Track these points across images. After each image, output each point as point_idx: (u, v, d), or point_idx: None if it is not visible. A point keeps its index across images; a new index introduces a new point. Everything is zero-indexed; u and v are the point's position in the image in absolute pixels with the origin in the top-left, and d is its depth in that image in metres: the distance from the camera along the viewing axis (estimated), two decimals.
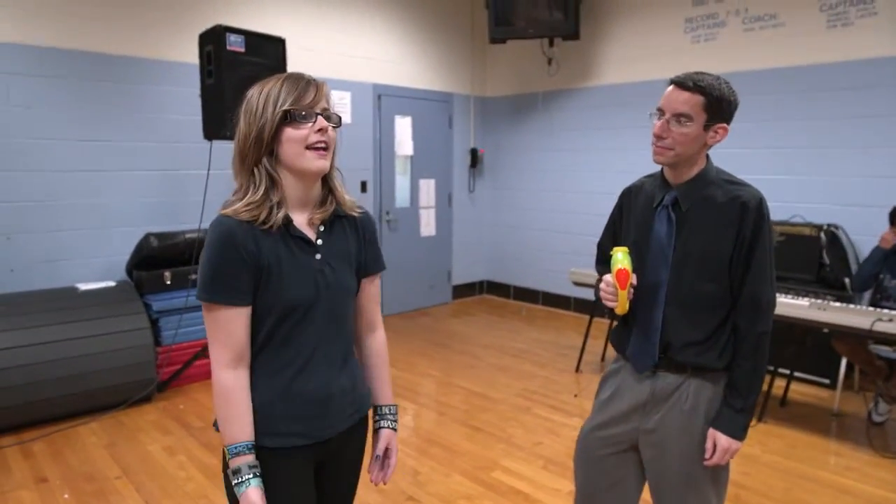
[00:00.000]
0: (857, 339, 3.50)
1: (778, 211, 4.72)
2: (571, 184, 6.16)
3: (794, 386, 4.06)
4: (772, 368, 3.84)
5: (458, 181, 6.83)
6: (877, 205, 4.23)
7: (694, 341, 1.60)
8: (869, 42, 4.28)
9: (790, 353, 3.99)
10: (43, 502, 2.75)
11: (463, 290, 7.01)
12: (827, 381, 4.15)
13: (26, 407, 3.39)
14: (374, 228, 1.50)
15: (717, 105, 1.54)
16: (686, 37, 5.19)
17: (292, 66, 4.07)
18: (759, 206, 1.56)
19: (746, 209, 1.56)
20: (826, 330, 3.40)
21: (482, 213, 7.07)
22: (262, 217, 1.27)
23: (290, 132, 1.27)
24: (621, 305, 1.64)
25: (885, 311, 3.30)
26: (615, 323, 1.83)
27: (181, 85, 4.50)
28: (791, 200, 4.69)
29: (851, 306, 3.35)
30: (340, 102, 5.59)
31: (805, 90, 4.59)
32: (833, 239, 4.31)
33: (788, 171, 4.73)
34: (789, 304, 3.46)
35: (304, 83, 1.30)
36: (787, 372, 3.96)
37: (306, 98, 1.28)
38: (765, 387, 3.80)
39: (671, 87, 1.57)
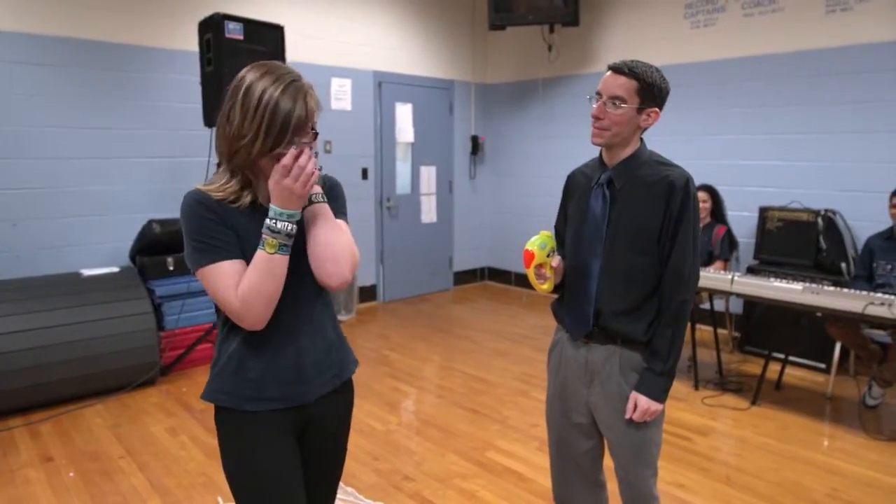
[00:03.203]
0: (851, 323, 3.53)
1: (776, 196, 4.75)
2: (572, 170, 6.17)
3: (788, 370, 4.09)
4: (766, 353, 3.88)
5: (459, 168, 6.85)
6: (875, 190, 4.24)
7: (624, 310, 1.73)
8: (868, 27, 4.26)
9: (785, 337, 4.03)
10: (49, 480, 2.83)
11: (464, 277, 7.06)
12: (822, 365, 4.18)
13: (33, 389, 3.47)
14: (335, 189, 1.50)
15: (649, 90, 1.65)
16: (685, 22, 5.18)
17: (292, 53, 4.11)
18: (686, 185, 1.67)
19: (674, 188, 1.67)
20: (819, 314, 3.43)
21: (483, 200, 7.10)
22: (231, 199, 1.34)
23: (276, 154, 1.30)
24: (532, 282, 1.79)
25: (879, 295, 3.32)
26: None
27: (182, 73, 4.54)
28: (789, 186, 4.70)
29: (845, 290, 3.38)
30: (341, 90, 5.62)
31: (804, 76, 4.59)
32: (830, 224, 4.32)
33: (787, 157, 4.73)
34: (783, 288, 3.48)
35: (305, 111, 1.29)
36: (782, 356, 4.00)
37: (304, 129, 1.30)
38: (759, 370, 3.86)
39: (608, 73, 1.69)
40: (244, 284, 1.29)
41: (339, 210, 1.48)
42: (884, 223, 3.79)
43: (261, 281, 1.28)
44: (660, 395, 1.70)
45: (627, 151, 1.74)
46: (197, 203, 1.31)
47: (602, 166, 1.80)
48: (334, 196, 1.49)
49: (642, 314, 1.73)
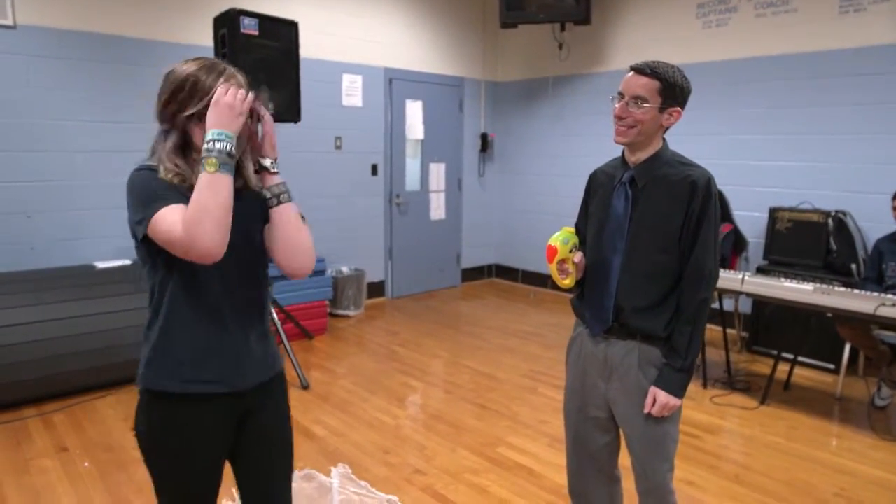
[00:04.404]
0: (861, 324, 3.54)
1: (787, 197, 4.75)
2: (581, 169, 6.16)
3: (798, 370, 4.10)
4: (776, 353, 3.89)
5: (468, 165, 6.87)
6: (886, 192, 4.23)
7: (644, 307, 1.75)
8: (881, 28, 4.26)
9: (794, 337, 4.03)
10: (65, 469, 2.86)
11: (472, 274, 7.07)
12: (831, 366, 4.18)
13: (46, 380, 3.50)
14: None
15: (671, 90, 1.68)
16: (698, 22, 5.17)
17: (305, 49, 4.12)
18: (708, 184, 1.70)
19: (696, 187, 1.69)
20: (830, 315, 3.43)
21: (492, 198, 7.11)
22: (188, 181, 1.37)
23: (201, 131, 1.36)
24: (554, 277, 1.83)
25: (890, 296, 3.33)
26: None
27: None
28: (800, 186, 4.70)
29: (855, 291, 3.38)
30: (352, 86, 5.63)
31: (816, 76, 4.58)
32: (840, 225, 4.32)
33: (798, 157, 4.73)
34: (794, 289, 3.49)
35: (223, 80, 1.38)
36: (791, 356, 4.00)
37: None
38: (767, 370, 3.87)
39: (630, 73, 1.72)
40: (189, 208, 1.27)
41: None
42: (894, 225, 3.79)
43: (204, 200, 1.26)
44: (678, 390, 1.72)
45: (650, 151, 1.76)
46: (149, 174, 1.37)
47: (624, 165, 1.82)
48: None
49: (662, 310, 1.74)
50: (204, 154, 1.29)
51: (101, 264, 3.98)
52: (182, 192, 1.34)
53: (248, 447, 1.53)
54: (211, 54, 3.90)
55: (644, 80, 1.67)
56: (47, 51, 3.98)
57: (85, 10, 4.11)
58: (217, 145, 1.29)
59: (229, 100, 1.32)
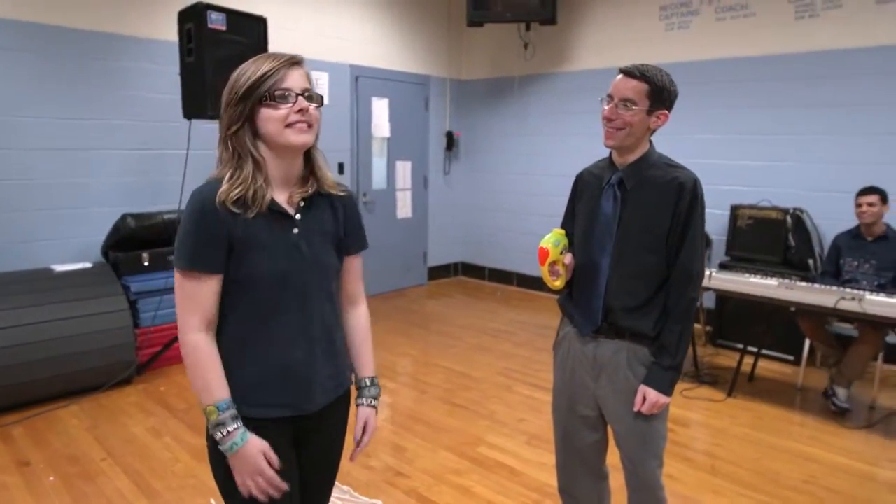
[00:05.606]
0: (819, 318, 3.68)
1: (747, 195, 4.90)
2: (546, 167, 6.26)
3: (761, 363, 4.24)
4: (741, 347, 4.01)
5: (434, 164, 6.85)
6: (840, 190, 4.42)
7: (632, 307, 1.78)
8: (834, 33, 4.44)
9: (757, 331, 4.17)
10: (28, 486, 2.72)
11: (438, 272, 7.06)
12: (790, 357, 4.35)
13: (2, 390, 3.32)
14: (355, 208, 1.51)
15: (659, 93, 1.72)
16: (660, 24, 5.29)
17: (271, 45, 4.03)
18: (694, 186, 1.73)
19: (683, 189, 1.72)
20: (793, 308, 3.56)
21: (457, 196, 7.11)
22: (250, 196, 1.28)
23: (269, 112, 1.28)
24: (545, 279, 1.84)
25: (849, 290, 3.47)
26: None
27: (160, 63, 4.40)
28: (759, 185, 4.86)
29: (816, 286, 3.52)
30: (318, 83, 5.54)
31: (774, 78, 4.75)
32: (798, 222, 4.49)
33: (757, 157, 4.89)
34: (759, 284, 3.61)
35: (286, 63, 1.31)
36: (755, 350, 4.14)
37: (285, 81, 1.29)
38: (730, 363, 3.99)
39: (620, 76, 1.74)
40: (190, 363, 1.29)
41: (360, 241, 1.51)
42: (849, 222, 3.95)
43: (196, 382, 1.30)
44: (667, 388, 1.75)
45: (637, 153, 1.79)
46: (207, 207, 1.27)
47: (612, 167, 1.84)
48: (355, 223, 1.48)
49: (650, 310, 1.77)
50: (213, 424, 1.28)
51: (58, 267, 3.81)
52: (230, 225, 1.28)
53: (300, 466, 1.45)
54: (176, 50, 3.80)
55: (633, 82, 1.70)
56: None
57: (40, 0, 3.90)
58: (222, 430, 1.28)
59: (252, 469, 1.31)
